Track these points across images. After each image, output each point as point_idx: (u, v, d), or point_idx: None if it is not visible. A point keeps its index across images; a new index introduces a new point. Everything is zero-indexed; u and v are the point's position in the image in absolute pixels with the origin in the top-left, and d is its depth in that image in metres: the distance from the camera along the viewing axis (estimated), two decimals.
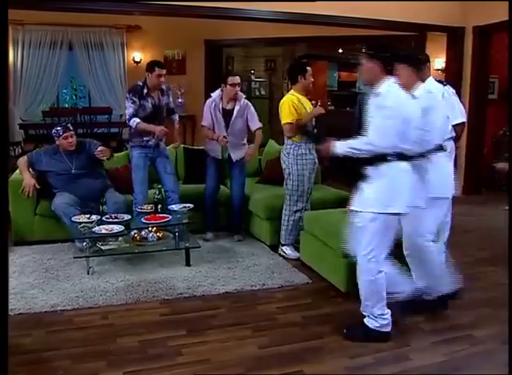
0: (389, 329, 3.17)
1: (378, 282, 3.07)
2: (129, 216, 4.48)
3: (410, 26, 7.23)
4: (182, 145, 6.08)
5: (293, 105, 4.49)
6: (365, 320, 3.19)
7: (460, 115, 3.80)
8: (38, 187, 4.84)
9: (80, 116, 9.19)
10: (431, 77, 3.72)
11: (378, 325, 3.14)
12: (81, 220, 4.26)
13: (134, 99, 4.77)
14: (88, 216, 4.31)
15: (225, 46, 10.55)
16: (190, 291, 3.88)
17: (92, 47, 9.68)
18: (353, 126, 5.05)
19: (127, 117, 4.81)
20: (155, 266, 4.36)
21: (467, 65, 7.58)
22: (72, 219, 4.33)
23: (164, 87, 4.98)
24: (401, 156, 2.99)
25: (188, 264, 4.39)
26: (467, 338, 3.26)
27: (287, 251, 4.66)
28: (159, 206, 4.60)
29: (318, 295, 3.88)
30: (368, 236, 3.02)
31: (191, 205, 4.69)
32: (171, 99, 5.12)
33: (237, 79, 4.90)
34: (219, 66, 10.74)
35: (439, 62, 8.15)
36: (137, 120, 4.75)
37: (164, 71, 4.83)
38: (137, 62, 9.95)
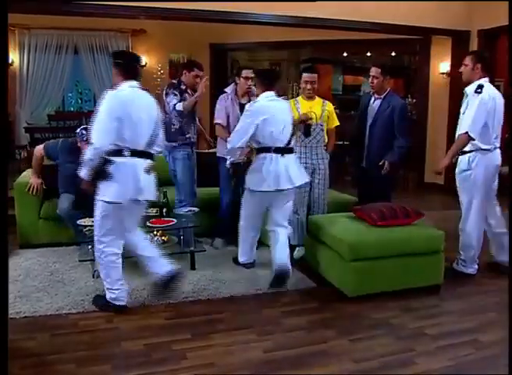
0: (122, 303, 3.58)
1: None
2: None
3: (415, 30, 7.24)
4: None
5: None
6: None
7: None
8: (45, 187, 4.84)
9: (86, 120, 9.22)
10: None
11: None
12: (86, 224, 4.26)
13: (176, 93, 4.77)
14: (93, 219, 4.30)
15: (230, 50, 10.58)
16: (195, 295, 3.88)
17: (97, 51, 9.77)
18: (357, 129, 5.09)
19: (172, 106, 4.76)
20: None
21: None
22: (78, 222, 4.34)
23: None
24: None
25: (193, 268, 4.39)
26: (472, 343, 3.24)
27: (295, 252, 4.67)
28: (164, 210, 4.60)
29: (324, 299, 3.87)
30: (99, 222, 3.51)
31: (196, 209, 4.69)
32: None
33: (251, 72, 4.79)
34: (224, 69, 10.76)
35: (444, 65, 8.13)
36: (183, 102, 4.73)
37: (201, 73, 4.87)
38: (143, 66, 9.98)
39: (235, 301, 3.84)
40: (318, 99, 4.76)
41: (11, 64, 9.09)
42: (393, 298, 3.81)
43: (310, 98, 4.70)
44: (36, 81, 9.43)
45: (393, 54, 11.70)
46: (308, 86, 4.63)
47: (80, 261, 4.28)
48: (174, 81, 4.94)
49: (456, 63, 7.72)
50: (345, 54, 12.06)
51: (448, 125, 7.97)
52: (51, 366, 2.92)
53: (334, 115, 4.82)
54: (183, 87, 4.84)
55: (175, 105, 4.73)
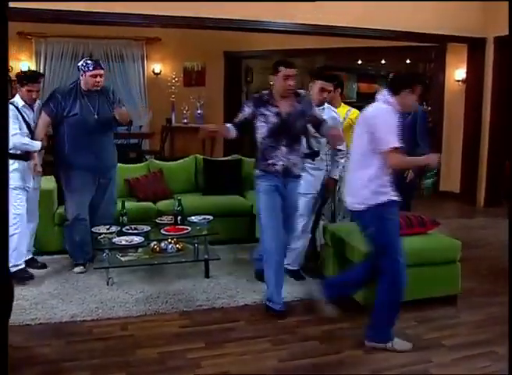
0: None
1: None
2: (149, 227, 4.50)
3: (430, 37, 7.19)
4: (202, 156, 6.14)
5: None
6: None
7: None
8: (40, 170, 4.34)
9: None
10: None
11: None
12: (101, 231, 4.29)
13: (247, 107, 3.83)
14: (108, 226, 4.34)
15: (245, 58, 10.62)
16: (209, 303, 3.89)
17: (112, 58, 9.85)
18: None
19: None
20: (174, 278, 4.37)
21: (489, 76, 7.52)
22: (92, 230, 4.36)
23: (302, 92, 3.95)
24: None
25: (207, 276, 4.40)
26: (489, 354, 3.21)
27: None
28: (179, 218, 4.62)
29: (339, 309, 3.83)
30: None
31: (211, 217, 4.67)
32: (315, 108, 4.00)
33: (292, 70, 3.76)
34: (238, 77, 10.81)
35: (459, 73, 8.09)
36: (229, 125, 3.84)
37: (293, 71, 3.75)
38: (157, 74, 10.08)
39: (249, 309, 3.83)
40: (343, 106, 4.73)
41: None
42: (409, 308, 3.76)
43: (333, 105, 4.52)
44: (52, 88, 9.51)
45: (408, 61, 11.68)
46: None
47: (94, 268, 4.31)
48: (265, 92, 3.87)
49: (471, 70, 7.71)
50: (359, 61, 12.06)
51: (464, 132, 7.94)
52: (66, 373, 2.94)
53: None
54: (268, 98, 3.80)
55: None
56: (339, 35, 6.95)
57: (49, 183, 4.92)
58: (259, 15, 6.27)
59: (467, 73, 7.85)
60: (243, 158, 6.04)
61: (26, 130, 4.26)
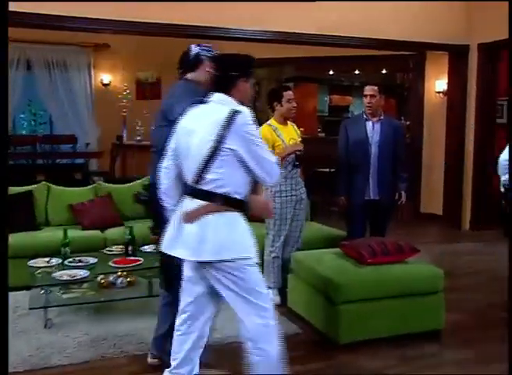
0: None
1: None
2: (96, 259, 4.43)
3: (408, 45, 7.34)
4: None
5: (264, 137, 4.20)
6: None
7: None
8: None
9: (40, 145, 9.17)
10: None
11: None
12: (39, 265, 4.19)
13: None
14: (48, 259, 4.26)
15: None
16: None
17: (54, 67, 9.75)
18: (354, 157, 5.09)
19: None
20: (125, 317, 4.29)
21: (472, 87, 7.70)
22: (29, 263, 4.27)
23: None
24: None
25: None
26: None
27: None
28: (130, 247, 4.58)
29: (310, 347, 3.83)
30: None
31: None
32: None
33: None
34: None
35: (440, 83, 8.29)
36: None
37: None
38: (106, 85, 10.02)
39: (210, 350, 3.76)
40: (290, 123, 4.83)
41: None
42: (389, 345, 3.79)
43: (285, 120, 4.71)
44: None
45: (384, 71, 11.93)
46: (291, 105, 4.62)
47: (30, 308, 4.18)
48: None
49: (453, 81, 7.88)
50: (331, 72, 12.26)
51: (446, 148, 8.10)
52: None
53: None
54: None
55: None
56: (309, 43, 7.05)
57: None
58: (222, 21, 6.30)
59: (449, 83, 8.04)
60: None
61: None
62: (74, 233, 4.97)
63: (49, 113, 10.06)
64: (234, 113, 2.62)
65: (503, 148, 4.91)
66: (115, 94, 9.77)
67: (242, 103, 2.75)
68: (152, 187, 3.08)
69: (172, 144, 2.84)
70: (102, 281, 4.25)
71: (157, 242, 3.01)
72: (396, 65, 10.73)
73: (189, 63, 3.39)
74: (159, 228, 3.00)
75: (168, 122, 3.01)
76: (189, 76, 3.36)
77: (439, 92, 8.34)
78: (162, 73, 10.11)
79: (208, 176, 2.63)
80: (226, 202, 2.65)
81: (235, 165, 2.65)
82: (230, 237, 2.66)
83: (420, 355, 3.75)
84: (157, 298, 4.31)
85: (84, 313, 4.33)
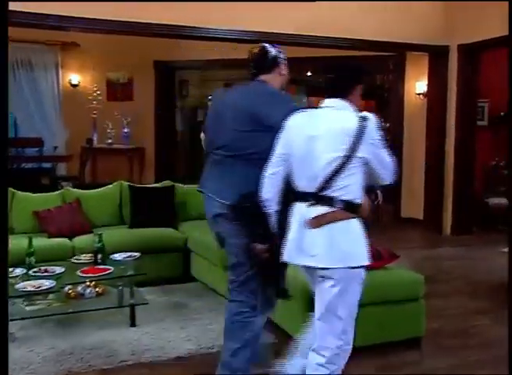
0: None
1: None
2: (63, 269, 4.36)
3: (388, 46, 7.40)
4: (127, 183, 6.04)
5: None
6: None
7: None
8: None
9: None
10: None
11: None
12: None
13: None
14: (11, 269, 4.17)
15: (178, 68, 10.64)
16: (134, 358, 3.78)
17: (18, 66, 9.61)
18: None
19: None
20: (93, 329, 4.23)
21: (452, 88, 7.78)
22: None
23: None
24: None
25: (133, 324, 4.29)
26: None
27: None
28: (99, 256, 4.53)
29: (285, 357, 3.79)
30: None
31: (138, 254, 4.65)
32: None
33: None
34: (171, 90, 10.80)
35: (420, 85, 8.36)
36: None
37: None
38: (75, 86, 9.92)
39: (183, 363, 3.74)
40: None
41: None
42: (367, 354, 3.76)
43: None
44: None
45: None
46: None
47: None
48: None
49: (433, 82, 7.96)
50: (309, 73, 12.29)
51: (426, 151, 8.17)
52: None
53: None
54: None
55: None
56: (285, 43, 7.01)
57: None
58: (197, 20, 6.29)
59: (429, 85, 8.12)
60: (175, 184, 5.99)
61: None
62: (40, 241, 4.89)
63: (13, 115, 9.90)
64: (364, 121, 2.67)
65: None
66: (85, 95, 9.67)
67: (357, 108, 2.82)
68: (251, 196, 2.95)
69: (280, 150, 2.83)
70: (70, 292, 4.19)
71: (267, 252, 2.94)
72: (376, 66, 10.78)
73: (266, 64, 3.33)
74: (268, 237, 2.94)
75: (264, 127, 2.97)
76: (263, 77, 3.31)
77: (419, 94, 8.41)
78: (134, 73, 10.07)
79: (338, 183, 2.66)
80: (350, 208, 2.70)
81: (361, 171, 2.72)
82: (358, 243, 2.73)
83: (399, 363, 3.75)
84: (126, 308, 4.29)
85: (49, 326, 4.26)
